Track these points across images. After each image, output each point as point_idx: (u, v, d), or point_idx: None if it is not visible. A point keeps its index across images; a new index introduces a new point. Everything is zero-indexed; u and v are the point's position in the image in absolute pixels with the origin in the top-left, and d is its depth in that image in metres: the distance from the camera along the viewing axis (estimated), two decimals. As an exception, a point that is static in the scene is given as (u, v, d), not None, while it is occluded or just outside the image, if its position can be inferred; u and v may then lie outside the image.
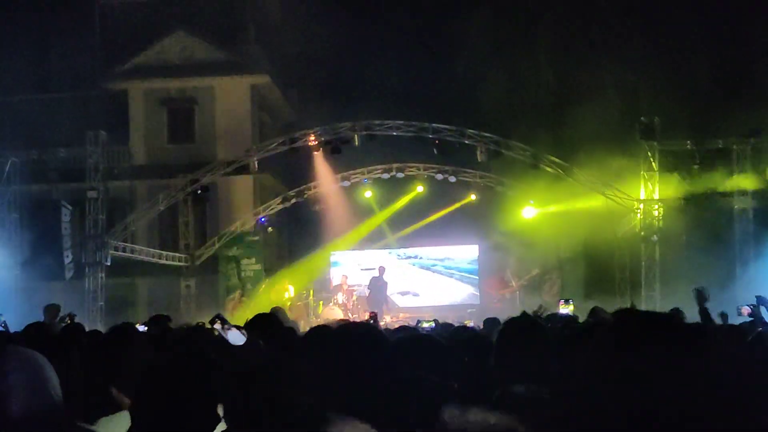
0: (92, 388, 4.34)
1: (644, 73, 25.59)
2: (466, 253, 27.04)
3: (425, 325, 10.63)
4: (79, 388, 4.19)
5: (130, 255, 23.38)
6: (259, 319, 6.53)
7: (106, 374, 4.35)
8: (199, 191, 24.41)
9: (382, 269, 24.51)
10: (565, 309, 9.51)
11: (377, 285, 24.24)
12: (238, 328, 7.89)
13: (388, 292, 25.00)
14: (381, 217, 26.44)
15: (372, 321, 12.19)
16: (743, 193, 21.26)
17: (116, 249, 22.52)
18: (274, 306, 13.11)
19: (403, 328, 7.59)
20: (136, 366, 3.89)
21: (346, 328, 3.55)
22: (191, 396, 2.92)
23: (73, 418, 3.09)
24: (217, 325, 7.84)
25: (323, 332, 3.85)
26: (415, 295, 26.86)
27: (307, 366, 3.58)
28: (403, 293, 26.77)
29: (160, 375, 3.00)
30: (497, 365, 4.13)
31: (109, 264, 22.02)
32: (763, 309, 8.63)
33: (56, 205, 22.95)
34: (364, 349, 3.23)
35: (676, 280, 19.01)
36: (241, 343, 7.30)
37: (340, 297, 24.73)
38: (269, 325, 6.29)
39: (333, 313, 23.92)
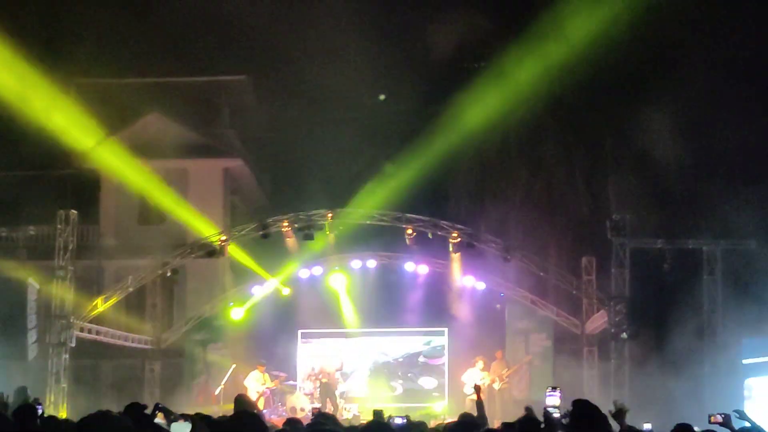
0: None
1: (615, 171, 25.97)
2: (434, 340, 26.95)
3: (397, 421, 10.42)
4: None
5: (96, 336, 23.02)
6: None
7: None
8: (169, 273, 24.24)
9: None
10: (553, 397, 8.87)
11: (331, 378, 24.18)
12: (183, 417, 7.70)
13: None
14: (350, 305, 26.28)
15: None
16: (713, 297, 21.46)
17: (82, 330, 22.18)
18: (239, 393, 12.91)
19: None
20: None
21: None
22: None
23: None
24: (159, 419, 7.64)
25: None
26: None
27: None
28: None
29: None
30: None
31: (73, 345, 21.65)
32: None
33: (23, 283, 22.66)
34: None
35: (646, 377, 19.01)
36: (187, 432, 7.10)
37: (308, 386, 24.57)
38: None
39: (299, 401, 23.70)
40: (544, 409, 7.38)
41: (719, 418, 8.77)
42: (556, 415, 7.00)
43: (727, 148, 23.59)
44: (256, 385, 22.64)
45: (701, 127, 24.26)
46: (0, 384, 14.39)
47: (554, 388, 7.88)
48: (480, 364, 23.03)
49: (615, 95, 26.71)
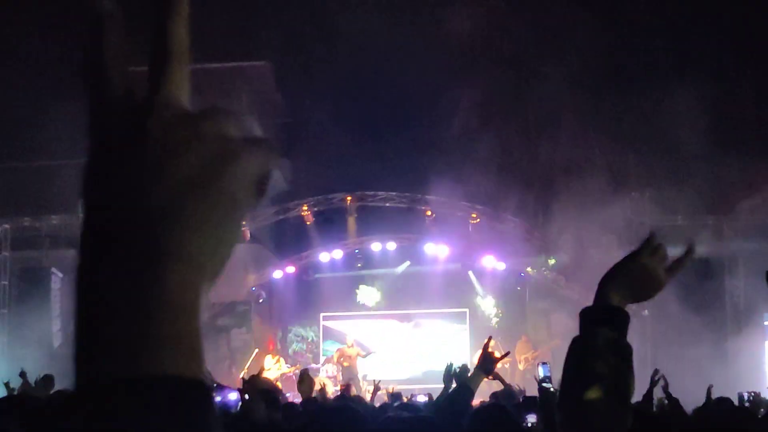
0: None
1: (634, 149, 25.79)
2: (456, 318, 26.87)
3: (420, 399, 10.43)
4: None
5: (119, 323, 23.15)
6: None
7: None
8: (190, 260, 24.36)
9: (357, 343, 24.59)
10: (544, 369, 8.74)
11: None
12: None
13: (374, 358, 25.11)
14: (373, 287, 26.35)
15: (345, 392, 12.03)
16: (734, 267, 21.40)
17: (105, 318, 22.30)
18: (251, 375, 12.94)
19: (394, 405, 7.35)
20: None
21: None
22: None
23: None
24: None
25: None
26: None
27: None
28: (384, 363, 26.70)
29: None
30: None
31: (98, 333, 21.78)
32: None
33: (46, 272, 22.85)
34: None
35: (669, 357, 18.92)
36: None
37: (330, 368, 24.66)
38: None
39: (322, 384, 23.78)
40: (538, 384, 7.46)
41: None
42: (553, 389, 7.06)
43: (749, 124, 23.39)
44: (271, 367, 22.83)
45: (721, 102, 24.04)
46: (28, 372, 14.49)
47: (544, 363, 7.96)
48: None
49: (634, 73, 26.56)
